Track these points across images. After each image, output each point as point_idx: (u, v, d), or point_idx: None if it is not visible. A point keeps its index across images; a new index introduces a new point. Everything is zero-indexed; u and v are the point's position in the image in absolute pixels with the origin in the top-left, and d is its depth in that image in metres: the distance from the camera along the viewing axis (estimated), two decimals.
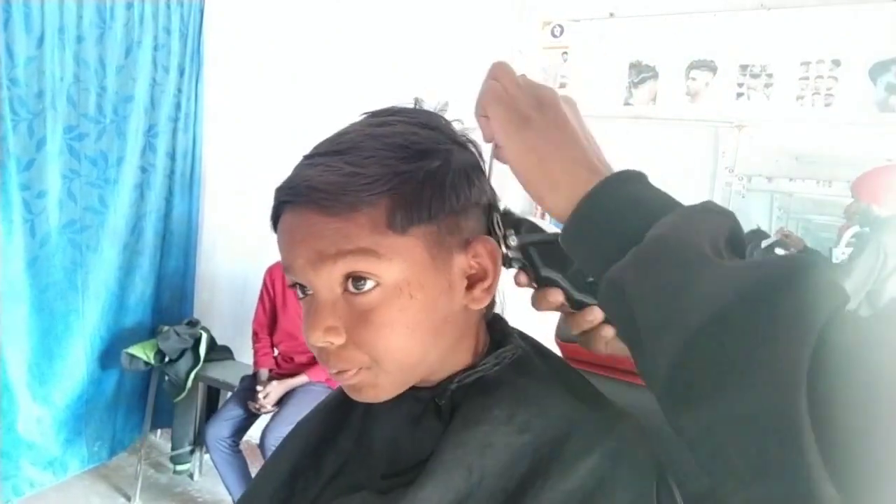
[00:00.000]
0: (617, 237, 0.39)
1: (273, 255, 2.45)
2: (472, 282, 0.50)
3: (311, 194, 0.45)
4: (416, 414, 0.53)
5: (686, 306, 0.33)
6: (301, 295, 0.50)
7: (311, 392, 2.28)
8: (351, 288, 0.46)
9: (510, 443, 0.48)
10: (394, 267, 0.45)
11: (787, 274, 0.31)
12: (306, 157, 0.50)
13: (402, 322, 0.46)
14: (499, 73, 0.48)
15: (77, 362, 2.60)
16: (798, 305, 0.30)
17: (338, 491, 0.54)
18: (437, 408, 0.52)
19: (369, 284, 0.46)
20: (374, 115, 0.53)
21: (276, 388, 2.28)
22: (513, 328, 0.57)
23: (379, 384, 0.49)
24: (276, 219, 0.50)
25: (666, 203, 0.40)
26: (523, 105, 0.45)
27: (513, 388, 0.51)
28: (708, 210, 0.39)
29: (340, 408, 0.60)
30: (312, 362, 2.37)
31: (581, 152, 0.43)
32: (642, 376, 0.37)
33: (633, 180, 0.42)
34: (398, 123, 0.50)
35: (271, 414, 2.27)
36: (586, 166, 0.43)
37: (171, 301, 2.98)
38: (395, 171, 0.46)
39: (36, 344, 2.44)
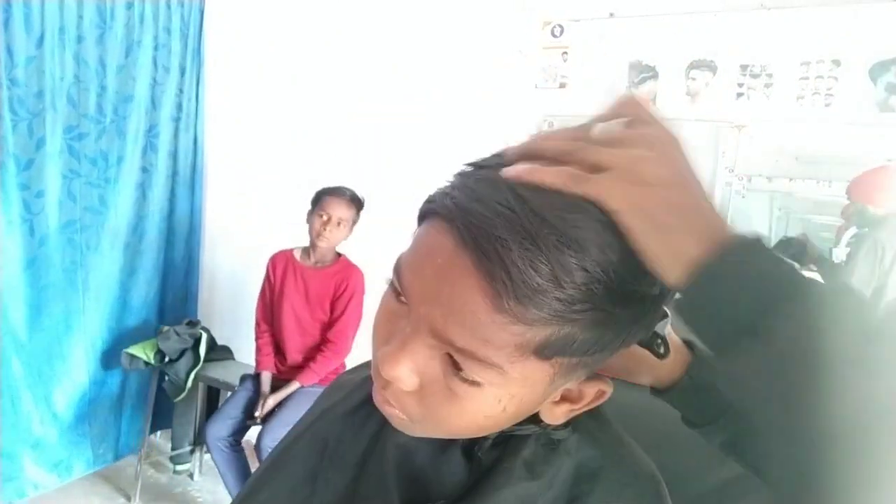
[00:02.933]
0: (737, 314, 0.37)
1: (272, 252, 2.46)
2: (563, 398, 0.46)
3: (483, 263, 0.37)
4: (444, 443, 0.51)
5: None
6: (396, 297, 0.43)
7: (308, 394, 2.28)
8: (453, 363, 0.40)
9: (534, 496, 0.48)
10: (508, 383, 0.40)
11: None
12: (500, 192, 0.38)
13: (479, 416, 0.42)
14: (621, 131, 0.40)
15: (78, 363, 2.59)
16: None
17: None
18: (467, 446, 0.51)
19: (472, 378, 0.40)
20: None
21: (269, 404, 2.28)
22: None
23: (418, 432, 0.47)
24: (422, 218, 0.43)
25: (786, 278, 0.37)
26: (650, 166, 0.38)
27: (542, 446, 0.50)
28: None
29: (359, 411, 0.58)
30: (304, 363, 2.36)
31: (702, 216, 0.38)
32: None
33: (751, 250, 0.38)
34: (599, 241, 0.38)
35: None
36: (709, 235, 0.37)
37: (176, 301, 2.98)
38: (593, 305, 0.37)
39: (36, 344, 2.43)
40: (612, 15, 2.17)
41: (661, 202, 0.37)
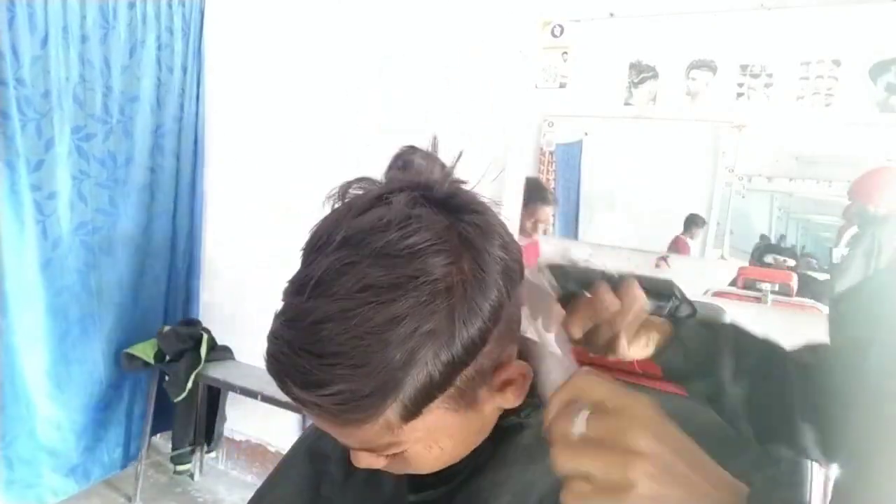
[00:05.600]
0: None
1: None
2: (504, 385, 0.49)
3: (312, 409, 0.44)
4: None
5: None
6: None
7: None
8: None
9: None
10: (418, 438, 0.46)
11: None
12: (281, 350, 0.43)
13: (427, 463, 0.50)
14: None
15: (95, 367, 2.58)
16: None
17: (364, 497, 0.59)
18: None
19: (399, 449, 0.47)
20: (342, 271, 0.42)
21: None
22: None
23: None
24: None
25: None
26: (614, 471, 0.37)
27: (522, 449, 0.53)
28: None
29: None
30: None
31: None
32: None
33: None
34: (375, 303, 0.40)
35: None
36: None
37: (178, 302, 2.98)
38: (392, 380, 0.41)
39: (53, 349, 2.41)
40: (612, 15, 2.17)
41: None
